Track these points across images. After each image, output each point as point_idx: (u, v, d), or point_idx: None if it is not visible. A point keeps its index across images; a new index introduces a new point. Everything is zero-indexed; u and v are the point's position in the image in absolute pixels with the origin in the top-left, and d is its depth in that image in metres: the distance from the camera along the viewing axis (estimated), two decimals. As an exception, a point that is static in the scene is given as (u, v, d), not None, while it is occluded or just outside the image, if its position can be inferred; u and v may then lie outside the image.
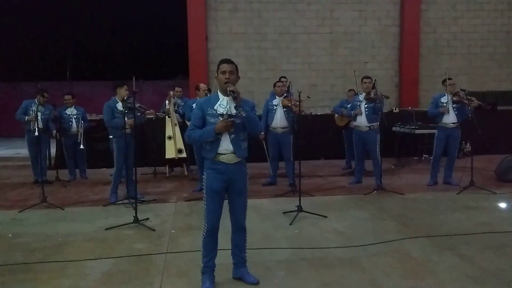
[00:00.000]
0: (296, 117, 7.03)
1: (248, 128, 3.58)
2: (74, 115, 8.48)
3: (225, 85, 3.48)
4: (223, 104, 3.53)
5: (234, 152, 3.55)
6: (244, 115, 3.48)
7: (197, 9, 12.63)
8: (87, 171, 8.90)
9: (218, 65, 3.60)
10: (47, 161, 8.93)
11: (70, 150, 8.63)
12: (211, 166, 3.59)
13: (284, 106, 7.38)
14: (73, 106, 8.55)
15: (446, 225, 5.30)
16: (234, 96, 3.43)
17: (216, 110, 3.53)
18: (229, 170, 3.56)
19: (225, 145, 3.53)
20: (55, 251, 4.62)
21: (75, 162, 8.76)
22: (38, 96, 7.83)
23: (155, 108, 9.60)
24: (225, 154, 3.54)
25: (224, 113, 3.50)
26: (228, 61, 3.60)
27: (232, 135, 3.53)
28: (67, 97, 8.60)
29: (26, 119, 7.75)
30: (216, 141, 3.52)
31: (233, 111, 3.51)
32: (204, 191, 3.63)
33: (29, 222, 5.71)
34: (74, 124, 8.46)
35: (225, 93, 3.53)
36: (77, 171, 8.80)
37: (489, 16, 13.63)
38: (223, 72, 3.53)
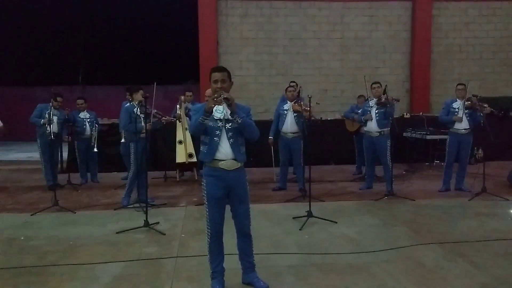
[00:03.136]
0: (306, 123, 7.02)
1: (245, 133, 3.57)
2: (88, 118, 8.58)
3: (219, 94, 3.46)
4: (220, 110, 3.53)
5: (234, 158, 3.55)
6: (239, 121, 3.48)
7: (208, 14, 12.71)
8: (98, 175, 8.96)
9: (210, 74, 3.58)
10: (58, 166, 9.00)
11: (83, 154, 8.71)
12: (210, 173, 3.59)
13: (294, 111, 7.38)
14: (86, 110, 8.65)
15: (458, 231, 5.25)
16: (228, 103, 3.43)
17: (213, 115, 3.52)
18: (229, 177, 3.56)
19: (225, 150, 3.53)
20: (66, 254, 4.66)
21: (87, 165, 8.83)
22: (52, 101, 7.89)
23: (166, 112, 9.66)
24: (224, 160, 3.54)
25: (222, 118, 3.52)
26: (219, 69, 3.60)
27: (231, 140, 3.53)
28: (79, 101, 8.70)
29: (41, 122, 7.75)
30: (214, 145, 3.52)
31: (230, 118, 3.52)
32: (205, 198, 3.64)
33: (41, 225, 5.76)
34: (88, 128, 8.55)
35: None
36: (88, 175, 8.86)
37: (501, 22, 13.54)
38: (215, 81, 3.53)
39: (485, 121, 6.94)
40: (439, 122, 7.74)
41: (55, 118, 7.71)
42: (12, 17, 17.72)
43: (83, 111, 8.62)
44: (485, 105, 7.03)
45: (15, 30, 18.57)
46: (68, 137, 8.54)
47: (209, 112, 3.44)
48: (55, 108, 7.82)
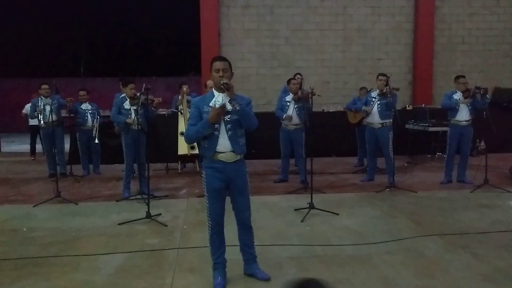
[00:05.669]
0: (310, 109, 6.87)
1: (243, 122, 3.55)
2: (89, 110, 8.61)
3: (219, 81, 3.46)
4: (219, 101, 3.51)
5: (233, 151, 3.54)
6: (237, 108, 3.47)
7: (209, 5, 12.63)
8: (100, 166, 8.97)
9: (211, 63, 3.57)
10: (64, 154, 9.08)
11: (84, 145, 8.74)
12: (209, 165, 3.59)
13: (295, 100, 7.35)
14: (88, 102, 8.67)
15: (459, 223, 5.26)
16: (227, 88, 3.41)
17: (212, 107, 3.51)
18: (228, 169, 3.55)
19: (223, 142, 3.52)
20: (68, 245, 4.68)
21: (89, 157, 8.85)
22: (40, 91, 8.13)
23: (166, 104, 9.65)
24: (223, 152, 3.53)
25: None
26: (221, 59, 3.59)
27: (229, 132, 3.52)
28: (81, 92, 8.75)
29: (36, 114, 8.02)
30: (214, 139, 3.51)
31: (229, 107, 3.50)
32: (204, 190, 3.64)
33: (43, 216, 5.79)
34: (89, 119, 8.58)
35: (220, 90, 3.52)
36: (91, 166, 8.88)
37: (505, 13, 13.42)
38: (217, 70, 3.51)
39: (487, 112, 6.91)
40: (442, 111, 7.62)
41: (47, 107, 7.87)
42: (13, 9, 17.66)
43: (85, 102, 8.65)
44: (482, 86, 7.05)
45: (16, 22, 18.53)
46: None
47: (214, 124, 3.46)
48: (44, 97, 7.96)
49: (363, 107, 7.49)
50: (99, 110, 8.87)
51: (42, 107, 7.92)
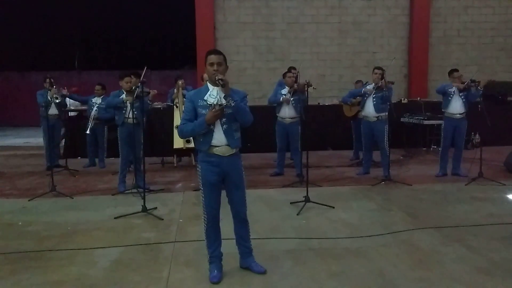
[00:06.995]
0: (305, 102, 6.87)
1: (238, 118, 3.55)
2: (97, 104, 8.66)
3: (214, 76, 3.46)
4: (213, 94, 3.50)
5: (228, 144, 3.54)
6: (232, 104, 3.46)
7: (205, -2, 12.58)
8: (96, 160, 8.95)
9: (206, 56, 3.56)
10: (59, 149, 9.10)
11: (89, 137, 8.79)
12: (205, 159, 3.58)
13: (291, 93, 7.34)
14: (102, 96, 8.72)
15: (454, 216, 5.29)
16: (222, 84, 3.40)
17: (206, 100, 3.51)
18: (223, 163, 3.55)
19: (218, 136, 3.52)
20: (64, 239, 4.67)
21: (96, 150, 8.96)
22: (45, 84, 8.09)
23: (162, 97, 9.62)
24: (219, 146, 3.53)
25: (215, 103, 3.47)
26: (215, 52, 3.58)
27: (224, 126, 3.52)
28: (97, 87, 8.90)
29: (48, 97, 7.86)
30: (209, 133, 3.50)
31: (224, 101, 3.49)
32: (200, 184, 3.64)
33: (38, 210, 5.77)
34: (93, 112, 8.61)
35: (215, 84, 3.51)
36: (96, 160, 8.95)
37: (500, 6, 13.43)
38: (211, 64, 3.50)
39: (482, 105, 6.93)
40: (436, 91, 7.67)
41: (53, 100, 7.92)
42: (7, 1, 17.51)
43: (98, 96, 8.76)
44: (477, 80, 7.08)
45: (10, 15, 18.37)
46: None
47: (211, 125, 3.46)
48: (49, 90, 7.99)
49: (350, 101, 7.65)
50: None
51: (53, 97, 7.90)
